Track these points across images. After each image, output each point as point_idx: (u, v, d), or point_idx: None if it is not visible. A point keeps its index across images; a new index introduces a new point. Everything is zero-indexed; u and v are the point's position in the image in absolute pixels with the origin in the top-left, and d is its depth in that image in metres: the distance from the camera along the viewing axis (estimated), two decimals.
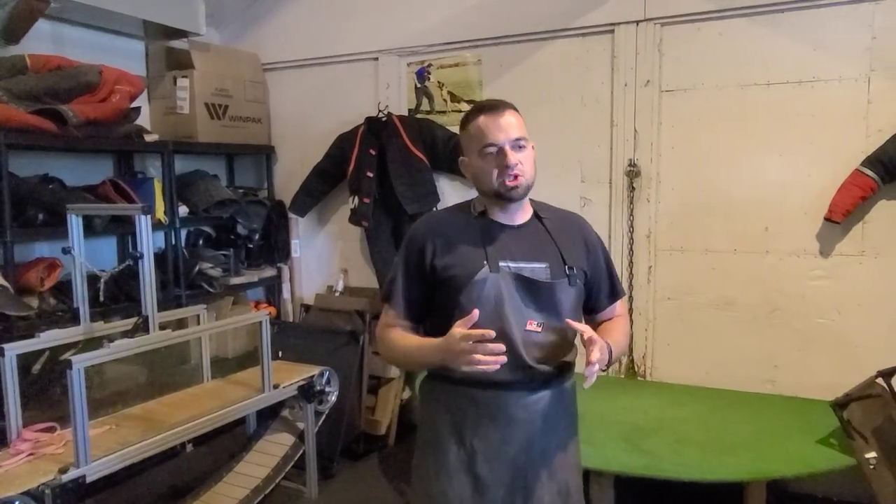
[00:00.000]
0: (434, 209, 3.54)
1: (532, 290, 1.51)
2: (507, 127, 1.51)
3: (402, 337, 1.57)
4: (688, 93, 3.06)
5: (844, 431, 2.34)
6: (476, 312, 1.37)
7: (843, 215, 2.75)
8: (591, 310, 1.69)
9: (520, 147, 1.52)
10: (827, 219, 2.78)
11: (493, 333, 1.34)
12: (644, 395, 3.01)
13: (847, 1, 2.74)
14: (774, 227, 2.95)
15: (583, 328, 1.45)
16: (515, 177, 1.50)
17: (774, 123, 2.90)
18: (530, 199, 1.63)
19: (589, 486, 2.41)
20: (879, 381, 2.46)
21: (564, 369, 1.61)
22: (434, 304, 1.58)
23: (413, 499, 1.65)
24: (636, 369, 3.24)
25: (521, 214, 1.60)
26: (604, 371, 1.49)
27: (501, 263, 1.51)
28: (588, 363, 1.39)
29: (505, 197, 1.53)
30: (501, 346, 1.34)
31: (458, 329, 1.36)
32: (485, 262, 1.50)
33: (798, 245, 2.91)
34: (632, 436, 2.53)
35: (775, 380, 2.98)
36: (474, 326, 1.38)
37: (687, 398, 2.94)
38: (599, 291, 1.67)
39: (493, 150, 1.51)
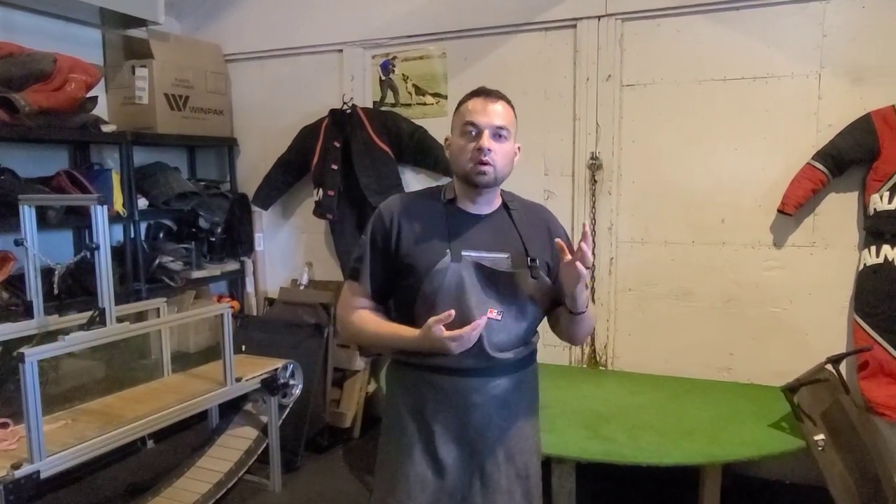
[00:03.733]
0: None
1: (493, 280, 1.52)
2: (492, 113, 1.52)
3: (373, 320, 1.58)
4: (647, 87, 3.12)
5: (795, 415, 2.43)
6: (452, 313, 1.40)
7: (795, 207, 2.84)
8: (556, 301, 1.68)
9: (499, 136, 1.53)
10: (780, 211, 2.87)
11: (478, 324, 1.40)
12: (605, 384, 3.06)
13: (798, 0, 2.82)
14: (730, 219, 3.03)
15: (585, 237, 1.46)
16: (485, 163, 1.50)
17: (730, 118, 2.98)
18: (502, 190, 1.65)
19: (550, 473, 2.45)
20: (828, 366, 2.56)
21: (526, 357, 1.63)
22: (397, 289, 1.59)
23: (377, 480, 1.66)
24: (598, 359, 3.30)
25: (489, 205, 1.61)
26: (575, 312, 1.54)
27: (464, 253, 1.52)
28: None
29: (471, 181, 1.54)
30: (478, 324, 1.40)
31: (438, 329, 1.40)
32: (447, 251, 1.51)
33: (753, 236, 3.00)
34: (592, 423, 2.58)
35: (731, 367, 3.07)
36: (433, 312, 1.43)
37: (646, 386, 3.01)
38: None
39: (472, 129, 1.52)
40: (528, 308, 1.57)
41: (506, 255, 1.56)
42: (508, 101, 1.58)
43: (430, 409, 1.56)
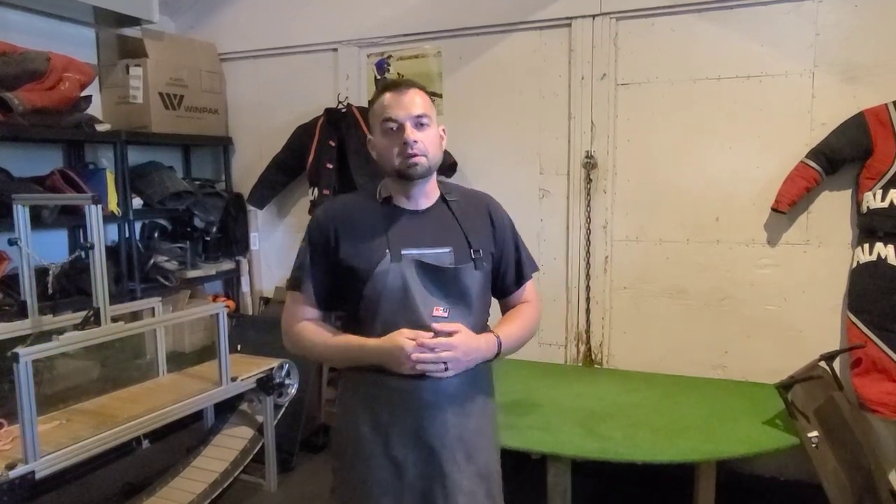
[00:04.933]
0: None
1: (436, 276, 1.49)
2: (409, 104, 1.48)
3: (322, 334, 1.53)
4: (642, 86, 3.13)
5: (788, 412, 2.44)
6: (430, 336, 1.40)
7: (788, 205, 2.85)
8: (500, 292, 1.68)
9: (421, 125, 1.49)
10: (774, 209, 2.88)
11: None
12: (600, 382, 3.07)
13: None
14: (725, 217, 3.04)
15: (450, 328, 1.44)
16: (415, 154, 1.47)
17: (724, 117, 2.99)
18: (439, 182, 1.61)
19: (546, 471, 2.46)
20: (822, 363, 2.57)
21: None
22: (341, 295, 1.54)
23: (336, 487, 1.61)
24: (593, 357, 3.30)
25: (426, 199, 1.57)
26: (490, 360, 1.54)
27: (404, 252, 1.48)
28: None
29: (405, 175, 1.49)
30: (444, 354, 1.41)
31: (408, 342, 1.39)
32: (387, 252, 1.47)
33: (747, 234, 3.01)
34: (587, 421, 2.59)
35: (725, 365, 3.08)
36: (382, 317, 1.44)
37: (641, 384, 3.02)
38: (506, 274, 1.65)
39: (393, 125, 1.48)
40: (475, 301, 1.54)
41: (448, 250, 1.52)
42: (421, 87, 1.54)
43: (384, 411, 1.51)
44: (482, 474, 1.56)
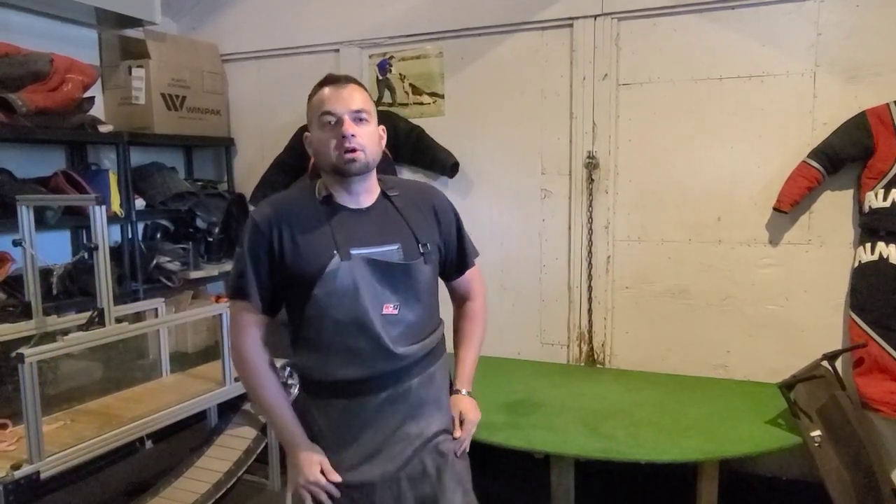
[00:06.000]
0: None
1: (387, 273, 1.47)
2: (348, 98, 1.45)
3: (267, 382, 1.53)
4: (644, 86, 3.13)
5: (791, 411, 2.45)
6: (339, 479, 1.47)
7: (790, 205, 2.85)
8: (445, 278, 1.68)
9: (360, 119, 1.46)
10: (776, 209, 2.88)
11: (337, 493, 1.48)
12: (602, 382, 3.08)
13: None
14: (726, 217, 3.04)
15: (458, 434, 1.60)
16: (353, 149, 1.43)
17: (726, 117, 2.99)
18: (379, 178, 1.58)
19: (549, 471, 2.47)
20: (824, 363, 2.58)
21: (434, 349, 1.58)
22: (287, 296, 1.52)
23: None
24: (595, 357, 3.31)
25: (368, 196, 1.53)
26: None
27: (353, 251, 1.45)
28: (455, 438, 1.60)
29: (342, 171, 1.46)
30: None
31: (316, 474, 1.47)
32: (335, 252, 1.44)
33: (749, 234, 3.01)
34: (590, 420, 2.60)
35: (727, 364, 3.08)
36: (332, 317, 1.44)
37: (643, 384, 3.02)
38: (450, 262, 1.66)
39: (330, 119, 1.45)
40: (424, 295, 1.53)
41: (395, 247, 1.50)
42: (360, 84, 1.52)
43: (344, 430, 1.50)
44: (461, 479, 1.60)
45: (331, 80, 1.50)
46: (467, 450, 1.61)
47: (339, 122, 1.44)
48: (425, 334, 1.55)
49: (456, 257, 1.66)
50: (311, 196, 1.52)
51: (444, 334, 1.65)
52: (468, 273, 1.71)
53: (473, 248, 1.72)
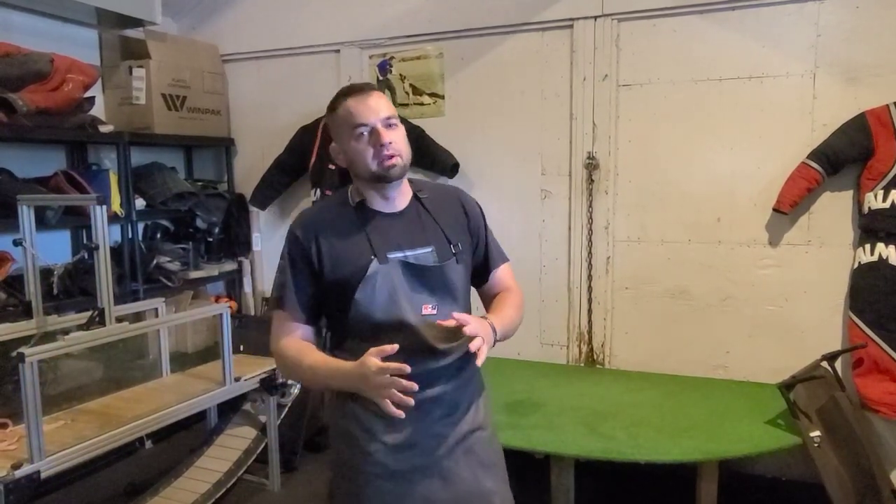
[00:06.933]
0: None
1: (422, 276, 1.51)
2: (376, 107, 1.48)
3: (305, 353, 1.49)
4: (644, 87, 3.14)
5: (790, 412, 2.45)
6: (396, 347, 1.34)
7: (790, 206, 2.86)
8: (478, 282, 1.69)
9: (391, 125, 1.49)
10: (775, 209, 2.88)
11: (408, 368, 1.32)
12: (602, 382, 3.08)
13: (793, 0, 2.84)
14: (726, 217, 3.05)
15: (458, 318, 1.41)
16: (391, 156, 1.46)
17: (726, 118, 3.00)
18: (409, 179, 1.60)
19: (549, 471, 2.47)
20: (824, 363, 2.58)
21: (468, 354, 1.53)
22: (328, 303, 1.54)
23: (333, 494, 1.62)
24: (595, 357, 3.31)
25: (401, 199, 1.57)
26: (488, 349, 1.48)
27: (390, 255, 1.49)
28: (472, 350, 1.39)
29: (383, 178, 1.48)
30: (414, 386, 1.32)
31: (374, 361, 1.32)
32: (373, 257, 1.47)
33: (748, 235, 3.02)
34: (590, 421, 2.60)
35: (727, 365, 3.09)
36: (373, 321, 1.43)
37: (643, 384, 3.03)
38: (480, 263, 1.68)
39: (364, 129, 1.47)
40: (460, 295, 1.56)
41: (430, 249, 1.53)
42: (378, 88, 1.55)
43: (380, 427, 1.51)
44: (484, 464, 1.59)
45: (353, 90, 1.51)
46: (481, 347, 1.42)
47: (374, 131, 1.47)
48: (463, 333, 1.54)
49: (486, 257, 1.68)
50: (345, 203, 1.56)
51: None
52: (499, 273, 1.71)
53: (502, 251, 1.73)
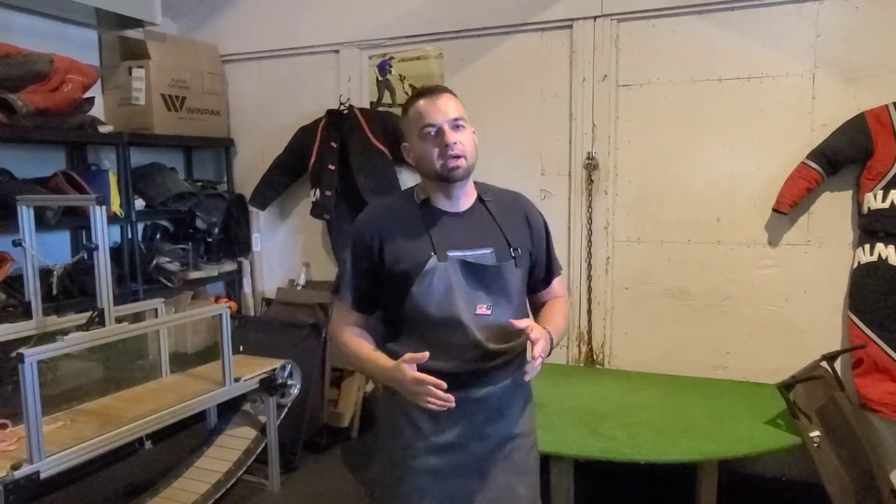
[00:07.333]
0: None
1: (479, 275, 1.54)
2: (444, 108, 1.53)
3: (355, 344, 1.60)
4: (643, 87, 3.14)
5: (790, 412, 2.45)
6: (426, 355, 1.42)
7: (789, 206, 2.86)
8: (531, 289, 1.72)
9: (458, 127, 1.53)
10: (775, 210, 2.89)
11: (444, 385, 1.40)
12: (602, 382, 3.08)
13: (792, 0, 2.84)
14: (726, 218, 3.05)
15: (525, 324, 1.48)
16: (456, 156, 1.51)
17: (725, 118, 3.00)
18: (476, 183, 1.65)
19: (549, 471, 2.47)
20: (823, 363, 2.58)
21: (518, 357, 1.64)
22: (384, 295, 1.60)
23: (378, 496, 1.70)
24: (595, 357, 3.31)
25: (465, 200, 1.61)
26: (544, 358, 1.53)
27: (449, 253, 1.53)
28: (532, 357, 1.45)
29: (447, 178, 1.54)
30: (450, 397, 1.41)
31: (409, 372, 1.41)
32: (432, 253, 1.52)
33: (748, 235, 3.02)
34: (590, 421, 2.60)
35: (727, 365, 3.09)
36: (428, 317, 1.46)
37: (643, 384, 3.02)
38: (538, 271, 1.70)
39: (431, 130, 1.52)
40: (515, 297, 1.59)
41: (489, 251, 1.57)
42: (450, 91, 1.58)
43: (427, 421, 1.58)
44: (519, 469, 1.63)
45: (424, 92, 1.57)
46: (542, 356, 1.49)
47: (440, 132, 1.52)
48: (516, 335, 1.59)
49: (545, 267, 1.71)
50: (410, 200, 1.62)
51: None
52: (554, 284, 1.75)
53: (558, 261, 1.78)
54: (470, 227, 1.59)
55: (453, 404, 1.42)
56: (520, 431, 1.65)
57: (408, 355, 1.42)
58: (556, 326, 1.61)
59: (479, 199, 1.63)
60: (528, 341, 1.48)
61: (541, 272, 1.71)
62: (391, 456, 1.63)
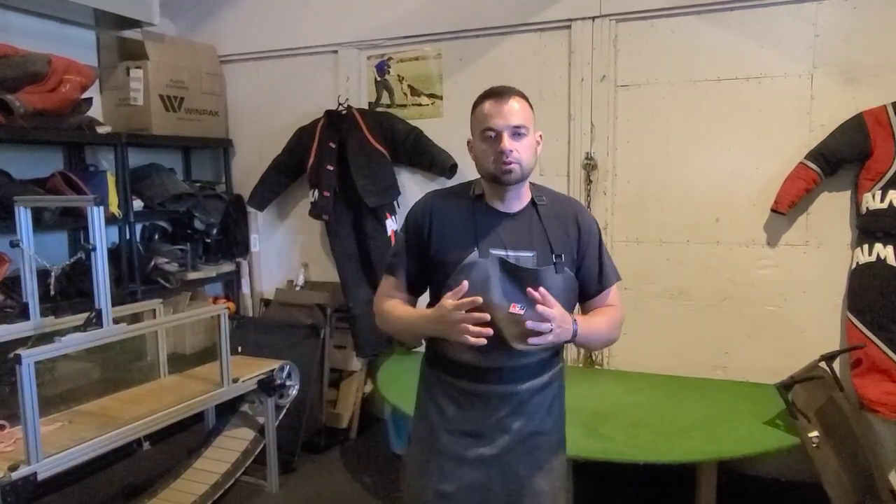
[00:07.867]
0: (395, 203, 3.56)
1: (518, 276, 1.55)
2: (508, 114, 1.54)
3: (398, 307, 1.66)
4: (642, 88, 3.14)
5: (789, 412, 2.45)
6: (466, 284, 1.45)
7: (788, 206, 2.86)
8: (583, 297, 1.71)
9: (518, 134, 1.55)
10: (773, 210, 2.89)
11: (480, 300, 1.43)
12: (602, 383, 3.08)
13: (792, 0, 2.84)
14: (725, 218, 3.05)
15: (540, 294, 1.46)
16: (510, 163, 1.53)
17: (724, 118, 3.00)
18: (531, 183, 1.66)
19: None
20: (822, 364, 2.58)
21: (549, 358, 1.65)
22: (432, 280, 1.65)
23: (403, 486, 1.76)
24: (594, 358, 3.31)
25: (517, 202, 1.63)
26: (568, 341, 1.54)
27: (492, 251, 1.56)
28: (540, 320, 1.44)
29: (499, 181, 1.57)
30: (486, 316, 1.43)
31: (449, 300, 1.45)
32: (475, 248, 1.56)
33: (747, 235, 3.02)
34: (589, 421, 2.59)
35: (726, 365, 3.09)
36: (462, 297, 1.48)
37: (642, 384, 3.02)
38: (590, 278, 1.69)
39: (491, 134, 1.55)
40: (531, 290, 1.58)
41: (531, 254, 1.58)
42: (522, 95, 1.59)
43: (457, 413, 1.64)
44: (542, 467, 1.65)
45: (493, 93, 1.58)
46: (550, 328, 1.46)
47: (499, 137, 1.54)
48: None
49: (597, 272, 1.69)
50: (466, 194, 1.66)
51: (562, 347, 1.70)
52: (609, 292, 1.72)
53: (615, 270, 1.74)
54: (517, 228, 1.61)
55: (490, 331, 1.43)
56: (544, 429, 1.66)
57: (449, 293, 1.46)
58: (589, 322, 1.61)
59: (532, 203, 1.65)
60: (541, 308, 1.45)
61: (592, 280, 1.69)
62: (420, 439, 1.71)
